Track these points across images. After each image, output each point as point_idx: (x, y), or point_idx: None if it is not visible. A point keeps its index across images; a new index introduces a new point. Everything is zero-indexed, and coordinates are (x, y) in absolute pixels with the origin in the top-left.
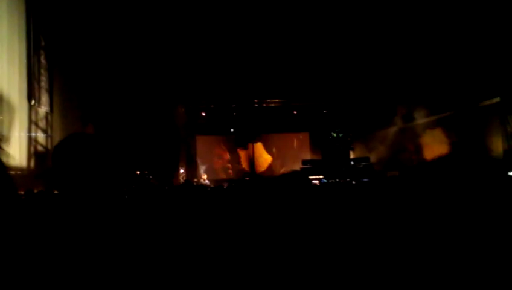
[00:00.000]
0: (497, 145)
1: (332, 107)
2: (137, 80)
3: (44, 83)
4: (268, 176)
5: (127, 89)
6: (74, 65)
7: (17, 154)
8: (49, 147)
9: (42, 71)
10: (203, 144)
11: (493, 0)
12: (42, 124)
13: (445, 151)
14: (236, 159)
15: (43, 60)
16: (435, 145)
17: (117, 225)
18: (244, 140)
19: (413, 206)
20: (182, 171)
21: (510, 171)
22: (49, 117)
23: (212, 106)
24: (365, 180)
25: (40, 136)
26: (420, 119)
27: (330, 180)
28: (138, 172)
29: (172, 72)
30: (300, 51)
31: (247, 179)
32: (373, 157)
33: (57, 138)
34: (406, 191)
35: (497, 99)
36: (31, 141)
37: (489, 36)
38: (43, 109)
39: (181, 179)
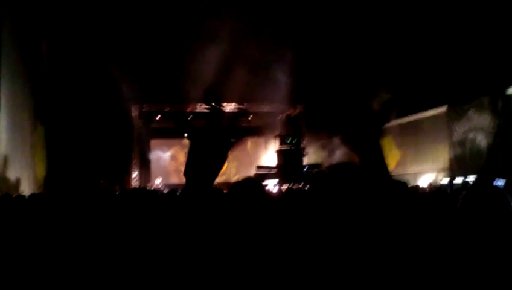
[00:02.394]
0: (444, 153)
1: (288, 112)
2: (90, 80)
3: None
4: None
5: (79, 89)
6: (23, 63)
7: None
8: None
9: None
10: (157, 148)
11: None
12: None
13: (395, 158)
14: None
15: None
16: (385, 152)
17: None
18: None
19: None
20: (134, 175)
21: (455, 178)
22: None
23: (166, 109)
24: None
25: None
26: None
27: (284, 186)
28: (89, 175)
29: (127, 74)
30: (256, 54)
31: None
32: (327, 163)
33: (5, 138)
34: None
35: (444, 109)
36: None
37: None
38: None
39: (133, 183)
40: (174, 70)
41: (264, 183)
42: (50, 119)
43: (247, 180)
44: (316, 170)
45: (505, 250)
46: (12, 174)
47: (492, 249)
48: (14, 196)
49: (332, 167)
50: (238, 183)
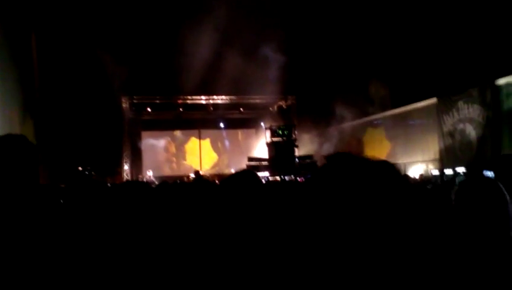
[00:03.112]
0: (433, 144)
1: (279, 103)
2: (80, 72)
3: None
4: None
5: (68, 82)
6: (13, 57)
7: None
8: None
9: None
10: (148, 140)
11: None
12: None
13: (385, 149)
14: (182, 156)
15: None
16: (375, 143)
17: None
18: (190, 136)
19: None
20: (126, 167)
21: (445, 169)
22: None
23: (157, 101)
24: (309, 176)
25: None
26: (363, 118)
27: (275, 177)
28: (80, 168)
29: (118, 65)
30: (250, 46)
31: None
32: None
33: None
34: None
35: (434, 100)
36: None
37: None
38: None
39: (125, 176)
40: (164, 62)
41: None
42: (39, 112)
43: (244, 173)
44: (308, 161)
45: (504, 243)
46: None
47: (491, 242)
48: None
49: (330, 157)
50: (234, 175)
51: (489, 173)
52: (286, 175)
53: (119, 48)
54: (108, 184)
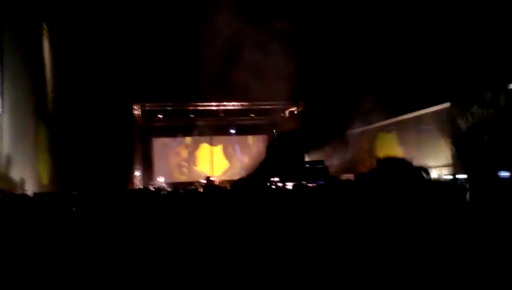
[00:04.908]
0: (446, 149)
1: (290, 109)
2: (93, 79)
3: None
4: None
5: (81, 89)
6: (26, 63)
7: None
8: (1, 147)
9: None
10: (159, 146)
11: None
12: None
13: (397, 155)
14: (193, 162)
15: None
16: (387, 148)
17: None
18: (201, 142)
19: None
20: (137, 174)
21: (458, 174)
22: (0, 118)
23: (169, 108)
24: (320, 182)
25: None
26: (376, 122)
27: (285, 183)
28: (91, 175)
29: (129, 72)
30: (256, 52)
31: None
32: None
33: (8, 138)
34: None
35: (447, 105)
36: None
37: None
38: None
39: (136, 182)
40: (175, 69)
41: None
42: (53, 119)
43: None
44: (319, 166)
45: None
46: (15, 174)
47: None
48: (18, 195)
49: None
50: (241, 179)
51: (506, 174)
52: (296, 181)
53: (131, 55)
54: (120, 191)
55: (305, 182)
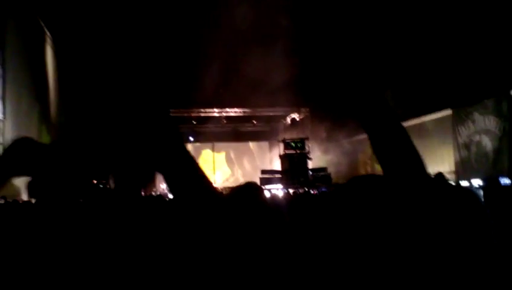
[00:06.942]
0: (449, 156)
1: (292, 116)
2: (95, 85)
3: None
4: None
5: (83, 96)
6: (28, 69)
7: None
8: None
9: None
10: None
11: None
12: None
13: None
14: None
15: None
16: None
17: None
18: (203, 149)
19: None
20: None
21: (461, 181)
22: (2, 124)
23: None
24: (323, 190)
25: None
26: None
27: (289, 189)
28: (95, 181)
29: (131, 78)
30: (260, 59)
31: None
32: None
33: None
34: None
35: (449, 112)
36: None
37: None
38: None
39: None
40: (177, 76)
41: (269, 187)
42: (55, 125)
43: (246, 185)
44: (322, 173)
45: None
46: (18, 180)
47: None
48: (21, 202)
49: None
50: (236, 188)
51: (507, 181)
52: (299, 188)
53: (134, 62)
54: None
55: (307, 189)
